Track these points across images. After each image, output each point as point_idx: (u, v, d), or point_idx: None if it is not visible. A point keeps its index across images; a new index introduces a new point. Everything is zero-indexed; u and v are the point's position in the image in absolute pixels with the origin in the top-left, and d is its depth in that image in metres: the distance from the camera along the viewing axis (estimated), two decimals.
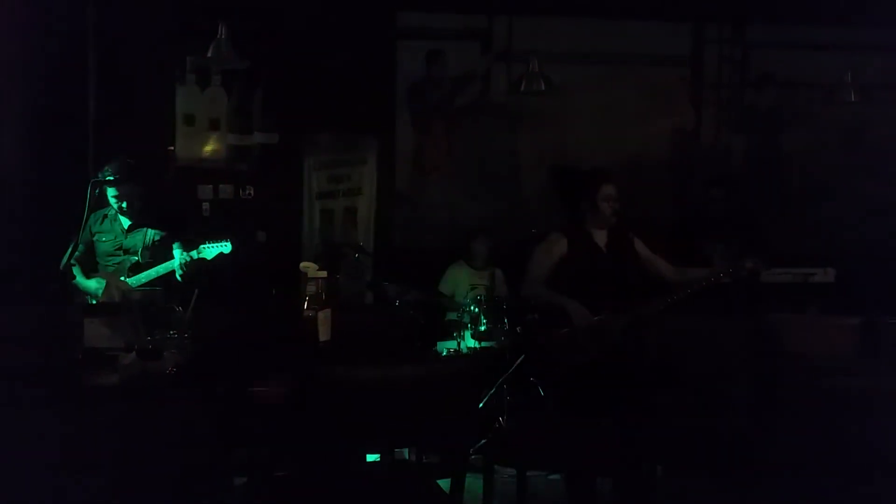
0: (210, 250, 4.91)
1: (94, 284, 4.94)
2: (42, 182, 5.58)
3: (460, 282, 6.40)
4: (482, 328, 5.68)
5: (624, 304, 4.58)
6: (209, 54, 5.90)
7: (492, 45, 7.21)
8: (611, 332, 4.54)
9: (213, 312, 4.83)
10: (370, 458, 4.16)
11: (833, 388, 4.26)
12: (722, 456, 4.38)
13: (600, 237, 4.74)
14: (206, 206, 6.62)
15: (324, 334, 5.25)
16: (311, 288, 5.69)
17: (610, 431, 4.10)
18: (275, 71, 6.64)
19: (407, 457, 4.63)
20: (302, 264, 5.96)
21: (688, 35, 7.38)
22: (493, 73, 7.24)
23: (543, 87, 6.65)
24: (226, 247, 4.95)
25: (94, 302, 4.83)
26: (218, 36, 5.83)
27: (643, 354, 4.54)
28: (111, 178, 4.84)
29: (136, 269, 4.94)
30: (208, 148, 6.70)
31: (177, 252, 4.92)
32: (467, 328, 5.73)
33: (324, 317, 5.41)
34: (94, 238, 5.00)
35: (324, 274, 5.72)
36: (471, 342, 5.70)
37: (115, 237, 4.99)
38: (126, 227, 4.99)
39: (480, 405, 5.18)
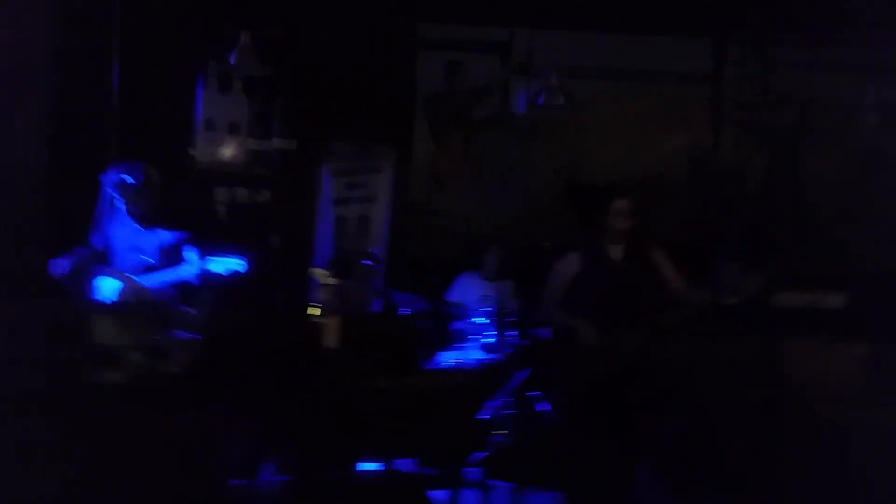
0: (222, 265, 4.89)
1: (107, 284, 5.00)
2: (61, 182, 5.66)
3: (470, 291, 6.42)
4: (489, 340, 5.70)
5: (637, 320, 4.55)
6: (232, 62, 5.96)
7: (511, 58, 7.24)
8: (616, 352, 4.53)
9: (225, 314, 4.89)
10: (368, 467, 4.18)
11: (837, 418, 4.24)
12: (723, 476, 4.37)
13: (616, 252, 4.73)
14: (222, 208, 6.69)
15: (330, 342, 5.32)
16: (321, 295, 5.77)
17: (613, 451, 4.11)
18: (296, 78, 6.71)
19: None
20: (313, 271, 6.05)
21: (708, 53, 7.38)
22: (511, 86, 7.28)
23: (562, 102, 6.67)
24: (239, 264, 4.92)
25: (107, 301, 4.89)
26: (241, 43, 5.89)
27: (649, 375, 4.53)
28: (128, 180, 4.91)
29: (150, 270, 5.00)
30: (227, 152, 6.78)
31: (191, 257, 4.97)
32: (474, 339, 5.75)
33: (332, 324, 5.49)
34: (109, 237, 5.07)
35: (334, 281, 5.80)
36: (477, 354, 5.72)
37: (129, 237, 5.06)
38: (141, 227, 5.05)
39: (484, 417, 5.19)
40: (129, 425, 3.88)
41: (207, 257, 4.91)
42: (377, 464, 4.24)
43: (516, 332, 5.67)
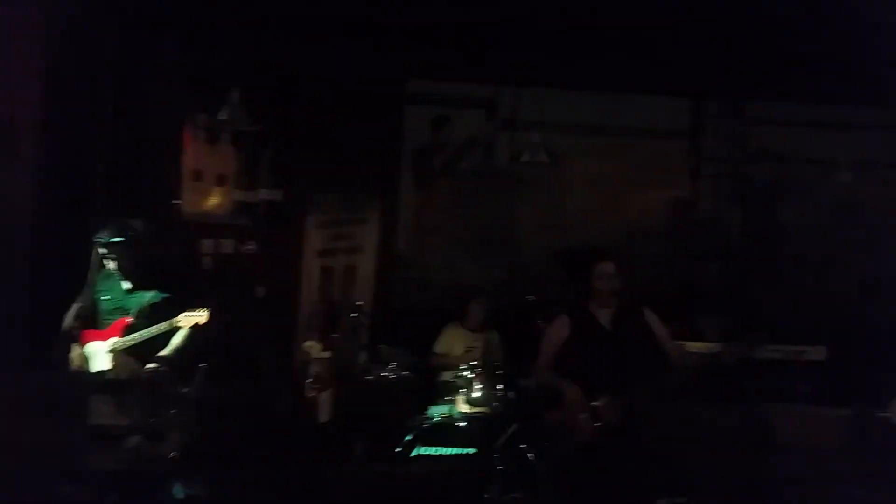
0: (198, 317, 4.88)
1: (92, 350, 4.95)
2: (48, 240, 5.59)
3: (455, 343, 6.45)
4: (475, 394, 5.71)
5: (625, 385, 4.48)
6: (221, 117, 6.02)
7: (496, 113, 7.38)
8: (601, 417, 4.50)
9: (218, 391, 4.84)
10: None
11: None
12: None
13: (604, 316, 4.67)
14: (208, 260, 6.69)
15: (325, 415, 5.36)
16: (314, 368, 5.80)
17: None
18: (284, 130, 6.78)
19: None
20: (305, 344, 6.08)
21: (687, 110, 7.55)
22: (496, 141, 7.40)
23: (545, 158, 6.80)
24: (201, 317, 4.90)
25: (97, 371, 4.86)
26: (230, 99, 5.96)
27: (633, 440, 4.49)
28: (112, 239, 4.91)
29: (130, 330, 4.95)
30: (214, 203, 6.80)
31: (172, 315, 4.93)
32: (461, 392, 5.76)
33: (325, 398, 5.54)
34: (96, 296, 5.03)
35: (326, 355, 5.85)
36: (463, 407, 5.74)
37: (116, 297, 5.03)
38: (127, 287, 5.03)
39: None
40: None
41: (188, 314, 4.89)
42: None
43: (503, 385, 5.70)
